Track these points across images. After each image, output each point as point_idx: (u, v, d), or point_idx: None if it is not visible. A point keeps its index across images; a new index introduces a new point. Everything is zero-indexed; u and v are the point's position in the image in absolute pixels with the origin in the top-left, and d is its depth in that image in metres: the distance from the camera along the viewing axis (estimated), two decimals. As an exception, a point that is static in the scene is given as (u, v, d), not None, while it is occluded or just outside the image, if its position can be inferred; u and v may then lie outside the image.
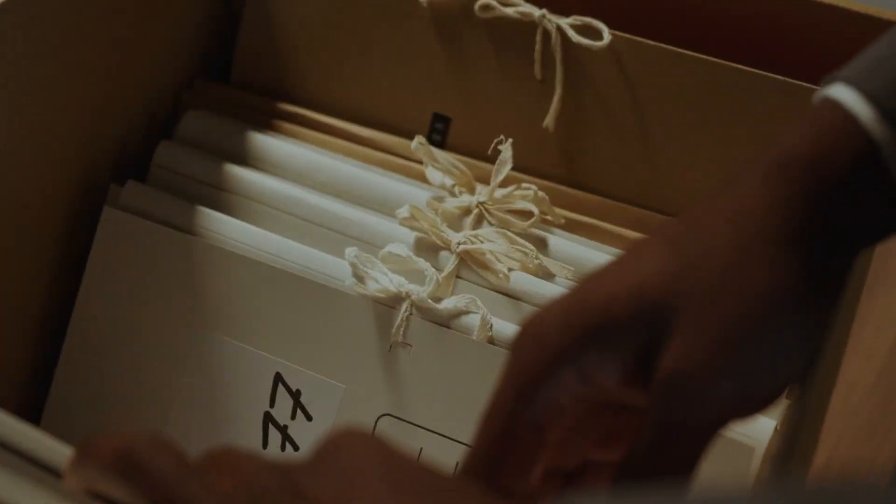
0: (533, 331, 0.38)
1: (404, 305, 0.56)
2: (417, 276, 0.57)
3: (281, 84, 0.68)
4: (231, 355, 0.58)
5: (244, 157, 0.63)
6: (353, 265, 0.57)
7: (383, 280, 0.56)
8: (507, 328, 0.55)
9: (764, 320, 0.38)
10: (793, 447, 0.53)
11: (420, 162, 0.63)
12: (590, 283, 0.38)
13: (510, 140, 0.59)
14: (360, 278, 0.57)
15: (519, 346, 0.38)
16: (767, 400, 0.39)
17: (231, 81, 0.69)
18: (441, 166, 0.62)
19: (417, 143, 0.61)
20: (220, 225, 0.60)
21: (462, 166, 0.62)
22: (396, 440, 0.49)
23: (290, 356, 0.58)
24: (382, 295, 0.56)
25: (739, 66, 0.60)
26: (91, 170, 0.62)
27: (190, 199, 0.61)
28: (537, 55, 0.62)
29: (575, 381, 0.38)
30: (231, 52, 0.69)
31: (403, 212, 0.58)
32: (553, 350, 0.38)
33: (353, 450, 0.31)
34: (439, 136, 0.66)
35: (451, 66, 0.65)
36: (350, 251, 0.57)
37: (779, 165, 0.39)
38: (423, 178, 0.63)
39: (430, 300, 0.56)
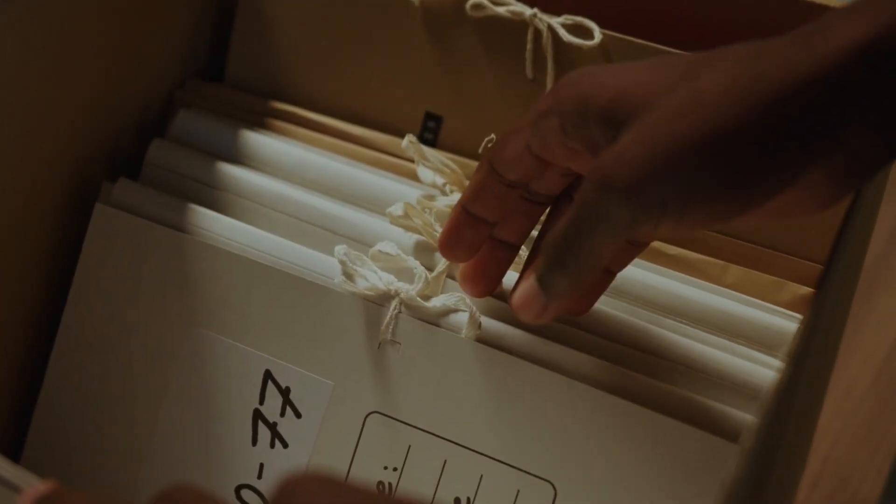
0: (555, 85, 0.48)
1: (393, 303, 0.56)
2: (407, 275, 0.57)
3: (274, 83, 0.68)
4: (221, 352, 0.58)
5: (236, 156, 0.64)
6: (342, 262, 0.57)
7: (372, 278, 0.57)
8: (495, 326, 0.56)
9: (696, 143, 0.40)
10: (773, 444, 0.54)
11: (412, 160, 0.63)
12: (608, 68, 0.46)
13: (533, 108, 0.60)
14: (349, 276, 0.57)
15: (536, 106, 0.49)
16: (677, 221, 0.42)
17: (225, 80, 0.69)
18: (432, 165, 0.62)
19: (408, 142, 0.61)
20: (212, 222, 0.60)
21: (453, 165, 0.62)
22: (385, 438, 0.50)
23: (279, 353, 0.58)
24: (371, 293, 0.57)
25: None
26: (83, 168, 0.62)
27: (182, 197, 0.61)
28: (529, 54, 0.63)
29: (554, 130, 0.47)
30: (224, 51, 0.69)
31: (397, 209, 0.58)
32: (546, 104, 0.48)
33: (307, 494, 0.32)
34: (431, 134, 0.66)
35: (443, 65, 0.65)
36: (339, 249, 0.57)
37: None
38: (414, 177, 0.63)
39: (419, 298, 0.56)
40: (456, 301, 0.56)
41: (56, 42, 0.57)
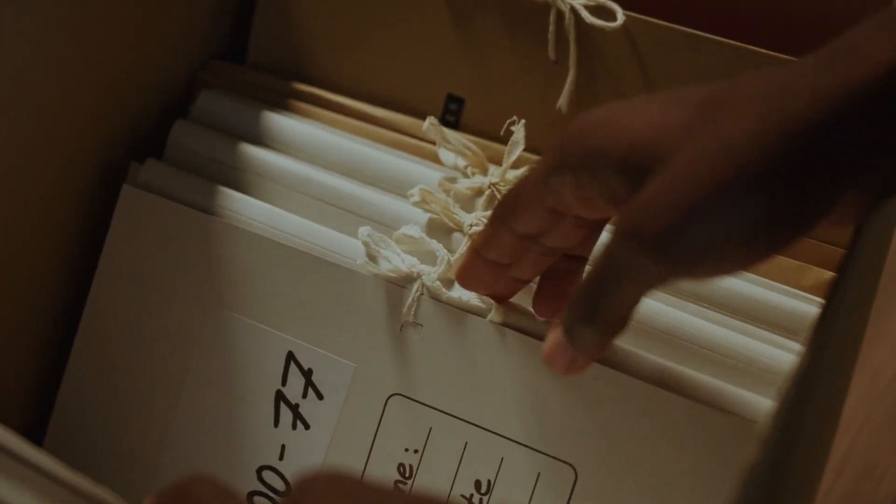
0: (560, 139, 0.46)
1: (416, 285, 0.56)
2: (430, 257, 0.57)
3: (296, 64, 0.68)
4: (244, 334, 0.59)
5: (258, 137, 0.64)
6: (365, 244, 0.57)
7: (395, 260, 0.57)
8: (518, 309, 0.56)
9: (730, 191, 0.39)
10: (794, 430, 0.53)
11: (433, 143, 0.63)
12: (614, 112, 0.44)
13: (523, 121, 0.60)
14: (372, 258, 0.57)
15: (554, 145, 0.47)
16: (713, 269, 0.41)
17: (247, 62, 0.69)
18: (453, 147, 0.62)
19: (429, 124, 0.61)
20: (237, 204, 0.60)
21: (474, 147, 0.62)
22: (407, 419, 0.50)
23: (302, 335, 0.58)
24: (394, 275, 0.57)
25: (754, 48, 0.60)
26: (106, 149, 0.63)
27: (205, 179, 0.61)
28: (551, 36, 0.62)
29: (568, 185, 0.46)
30: (247, 32, 0.69)
31: (415, 195, 0.58)
32: (555, 159, 0.46)
33: (323, 493, 0.32)
34: (453, 116, 0.66)
35: (465, 47, 0.65)
36: (363, 230, 0.57)
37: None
38: (436, 159, 0.63)
39: (439, 281, 0.56)
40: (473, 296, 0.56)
41: (76, 23, 0.57)
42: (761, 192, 0.38)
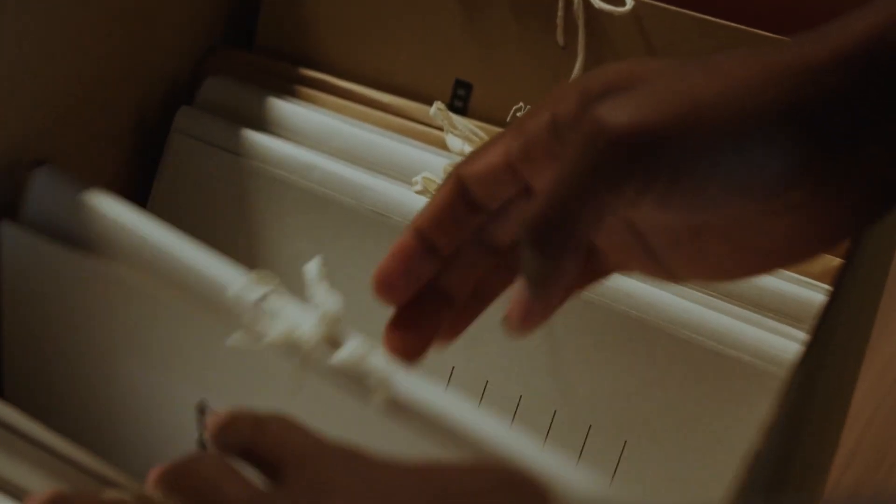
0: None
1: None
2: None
3: (304, 49, 0.68)
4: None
5: (263, 123, 0.63)
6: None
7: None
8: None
9: (712, 105, 0.37)
10: (800, 420, 0.53)
11: (441, 128, 0.63)
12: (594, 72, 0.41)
13: (528, 107, 0.59)
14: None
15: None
16: (677, 204, 0.38)
17: (255, 47, 0.69)
18: (460, 133, 0.61)
19: (436, 110, 0.60)
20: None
21: (482, 133, 0.61)
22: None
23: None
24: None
25: (764, 33, 0.59)
26: (110, 133, 0.62)
27: (208, 166, 0.61)
28: (560, 21, 0.62)
29: (543, 127, 0.41)
30: (255, 17, 0.69)
31: (417, 184, 0.58)
32: (538, 107, 0.42)
33: (323, 464, 0.32)
34: (461, 102, 0.65)
35: (473, 33, 0.64)
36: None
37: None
38: (443, 145, 0.63)
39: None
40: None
41: (82, 7, 0.57)
42: (737, 116, 0.37)
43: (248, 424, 0.37)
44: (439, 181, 0.59)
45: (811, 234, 0.39)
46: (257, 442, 0.36)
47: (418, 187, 0.58)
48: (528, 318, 0.41)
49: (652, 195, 0.38)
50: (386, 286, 0.44)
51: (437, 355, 0.49)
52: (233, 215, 0.61)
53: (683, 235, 0.40)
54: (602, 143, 0.37)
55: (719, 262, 0.40)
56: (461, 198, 0.43)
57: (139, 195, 0.64)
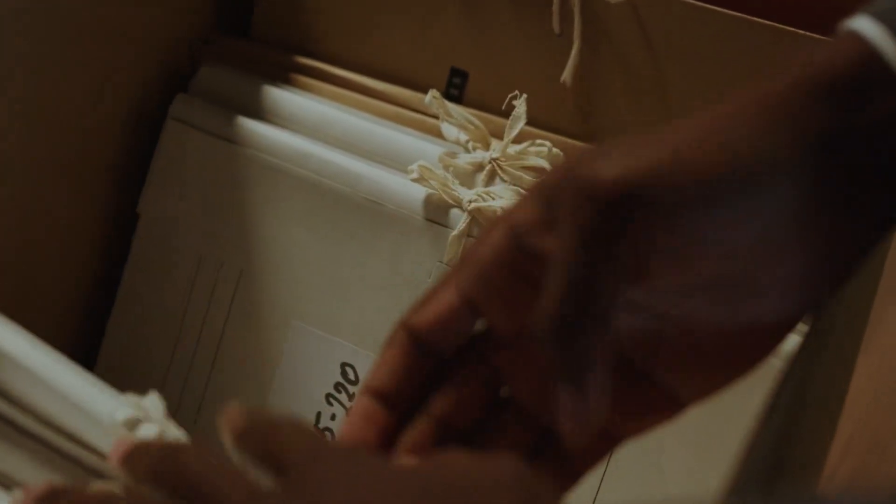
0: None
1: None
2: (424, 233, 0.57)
3: (299, 38, 0.67)
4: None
5: (259, 111, 0.63)
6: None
7: None
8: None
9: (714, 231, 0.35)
10: (797, 409, 0.53)
11: (436, 117, 0.62)
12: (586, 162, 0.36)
13: (524, 95, 0.59)
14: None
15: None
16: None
17: (251, 36, 0.68)
18: (455, 121, 0.61)
19: (431, 98, 0.60)
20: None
21: (477, 121, 0.61)
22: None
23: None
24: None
25: (760, 21, 0.59)
26: (106, 122, 0.62)
27: (203, 153, 0.61)
28: (556, 9, 0.61)
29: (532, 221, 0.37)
30: (250, 6, 0.68)
31: (413, 172, 0.58)
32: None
33: (329, 464, 0.32)
34: (457, 90, 0.65)
35: (469, 21, 0.64)
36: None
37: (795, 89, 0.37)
38: (439, 134, 0.62)
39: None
40: None
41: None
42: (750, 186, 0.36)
43: (265, 425, 0.36)
44: (436, 170, 0.58)
45: (813, 276, 0.38)
46: (270, 442, 0.36)
47: (414, 175, 0.58)
48: (582, 422, 0.37)
49: (657, 251, 0.36)
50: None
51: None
52: (228, 202, 0.61)
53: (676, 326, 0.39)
54: (593, 205, 0.35)
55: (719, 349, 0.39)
56: (413, 350, 0.39)
57: (135, 182, 0.64)
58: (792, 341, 0.52)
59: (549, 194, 0.36)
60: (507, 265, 0.37)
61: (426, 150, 0.61)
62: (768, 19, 0.58)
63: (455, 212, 0.58)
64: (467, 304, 0.38)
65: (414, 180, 0.58)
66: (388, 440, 0.39)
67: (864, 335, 0.64)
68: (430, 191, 0.58)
